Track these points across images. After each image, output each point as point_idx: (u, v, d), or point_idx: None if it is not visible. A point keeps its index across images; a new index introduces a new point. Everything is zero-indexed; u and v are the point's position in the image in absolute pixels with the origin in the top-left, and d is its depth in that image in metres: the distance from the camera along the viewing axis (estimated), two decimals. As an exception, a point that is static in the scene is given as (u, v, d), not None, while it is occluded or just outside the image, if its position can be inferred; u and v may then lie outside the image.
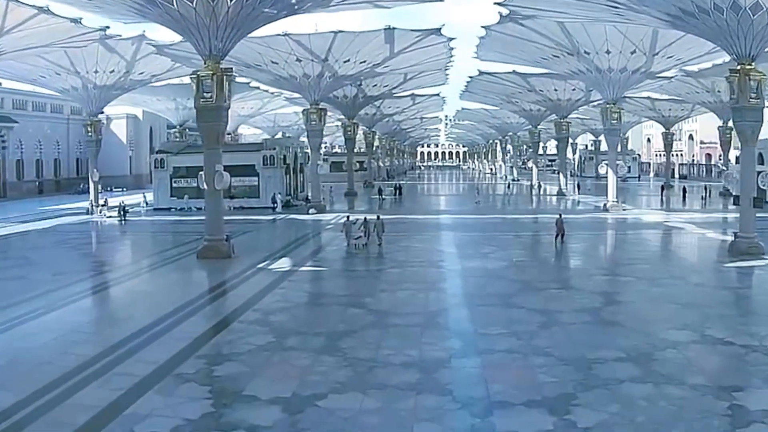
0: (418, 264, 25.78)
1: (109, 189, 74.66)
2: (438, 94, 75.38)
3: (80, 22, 37.62)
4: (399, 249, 29.32)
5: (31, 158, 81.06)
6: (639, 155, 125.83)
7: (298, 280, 23.51)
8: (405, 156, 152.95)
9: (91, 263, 29.94)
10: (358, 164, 68.99)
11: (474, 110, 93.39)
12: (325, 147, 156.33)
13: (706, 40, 30.74)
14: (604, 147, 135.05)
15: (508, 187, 69.81)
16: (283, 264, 26.69)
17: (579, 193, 65.86)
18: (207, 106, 28.90)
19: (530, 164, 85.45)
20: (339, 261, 27.47)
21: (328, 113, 79.48)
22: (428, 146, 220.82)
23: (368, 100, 63.49)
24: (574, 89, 60.61)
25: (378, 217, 29.84)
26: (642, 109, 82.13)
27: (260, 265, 26.33)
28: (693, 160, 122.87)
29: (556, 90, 60.83)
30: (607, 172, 50.22)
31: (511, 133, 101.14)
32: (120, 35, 44.37)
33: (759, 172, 31.68)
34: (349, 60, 44.41)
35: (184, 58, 44.09)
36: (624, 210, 48.68)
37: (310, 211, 47.66)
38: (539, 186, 68.17)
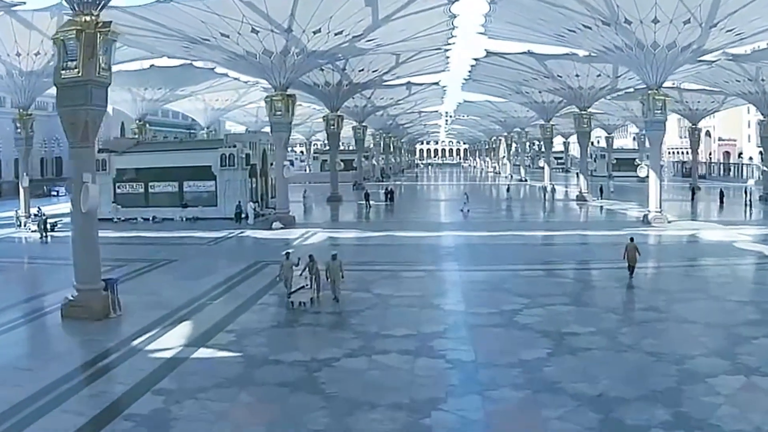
0: (398, 344, 14.59)
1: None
2: (437, 83, 63.94)
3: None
4: (371, 304, 18.17)
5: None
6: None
7: (174, 388, 12.41)
8: (403, 154, 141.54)
9: None
10: (342, 163, 57.49)
11: (477, 102, 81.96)
12: (319, 143, 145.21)
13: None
14: (617, 144, 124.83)
15: (508, 189, 58.11)
16: (173, 340, 15.60)
17: (602, 198, 54.58)
18: (70, 81, 17.92)
19: (541, 163, 74.08)
20: (265, 334, 15.99)
21: (315, 106, 68.98)
22: (428, 143, 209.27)
23: (354, 89, 52.23)
24: (599, 75, 49.39)
25: (334, 257, 18.60)
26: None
27: (138, 341, 15.49)
28: (710, 159, 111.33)
29: (577, 76, 49.59)
30: (648, 175, 39.05)
31: (518, 129, 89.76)
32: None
33: None
34: (320, 30, 33.18)
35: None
36: (669, 222, 37.57)
37: (274, 225, 36.56)
38: (553, 189, 56.72)
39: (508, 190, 58.95)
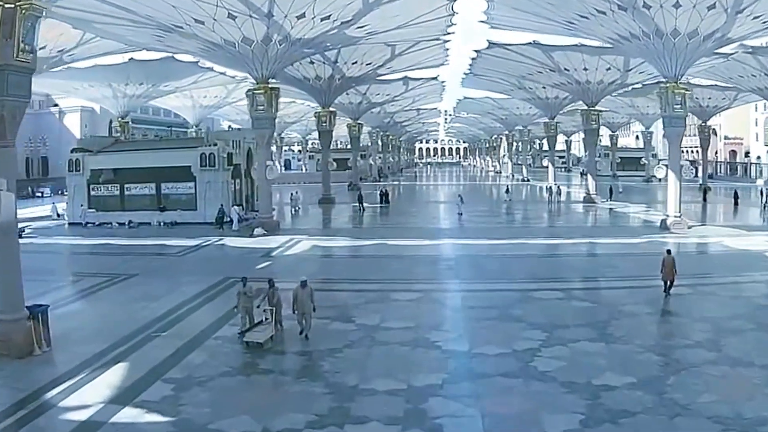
0: (382, 406, 10.92)
1: (60, 192, 60.49)
2: (436, 78, 60.18)
3: None
4: (351, 341, 14.52)
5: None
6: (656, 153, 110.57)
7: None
8: (401, 152, 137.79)
9: None
10: (335, 163, 53.81)
11: (478, 99, 78.16)
12: (316, 142, 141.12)
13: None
14: (621, 143, 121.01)
15: (507, 191, 53.79)
16: (97, 392, 12.00)
17: (612, 199, 50.92)
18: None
19: (545, 162, 70.51)
20: (212, 385, 12.07)
21: (310, 104, 65.17)
22: (427, 142, 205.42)
23: (347, 83, 48.53)
24: (609, 68, 45.69)
25: (303, 284, 14.91)
26: (677, 98, 66.84)
27: (54, 392, 12.07)
28: (716, 157, 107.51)
29: (586, 69, 45.90)
30: (667, 176, 35.40)
31: (520, 127, 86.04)
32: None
33: None
34: (304, 15, 29.48)
35: None
36: (689, 228, 34.00)
37: (255, 231, 32.95)
38: (558, 190, 52.87)
39: (507, 191, 54.06)
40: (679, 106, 34.49)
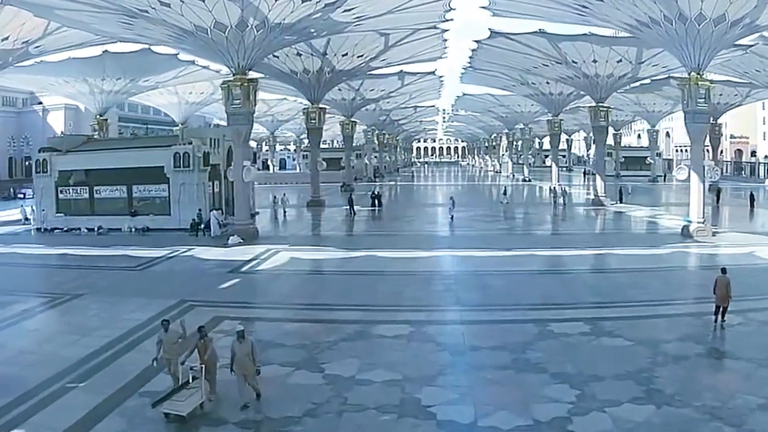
0: None
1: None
2: (434, 73, 56.26)
3: None
4: (314, 405, 10.61)
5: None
6: (660, 152, 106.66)
7: None
8: (398, 152, 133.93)
9: None
10: (325, 162, 49.97)
11: (477, 96, 74.29)
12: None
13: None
14: (624, 142, 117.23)
15: (505, 192, 48.79)
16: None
17: (622, 202, 47.12)
18: None
19: (548, 162, 66.76)
20: None
21: (303, 101, 61.11)
22: (425, 141, 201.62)
23: (338, 77, 44.67)
24: (620, 60, 41.86)
25: (240, 336, 10.66)
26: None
27: None
28: (721, 157, 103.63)
29: (595, 62, 42.08)
30: (689, 177, 31.64)
31: (520, 125, 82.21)
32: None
33: None
34: (281, -5, 25.75)
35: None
36: (714, 236, 30.30)
37: (231, 240, 29.20)
38: (564, 192, 48.83)
39: (505, 192, 48.58)
40: (702, 100, 30.76)
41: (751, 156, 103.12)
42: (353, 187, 60.23)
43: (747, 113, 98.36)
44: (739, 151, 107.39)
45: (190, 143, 35.14)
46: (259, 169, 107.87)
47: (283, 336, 14.84)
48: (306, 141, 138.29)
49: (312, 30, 30.53)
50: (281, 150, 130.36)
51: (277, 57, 41.54)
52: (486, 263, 23.54)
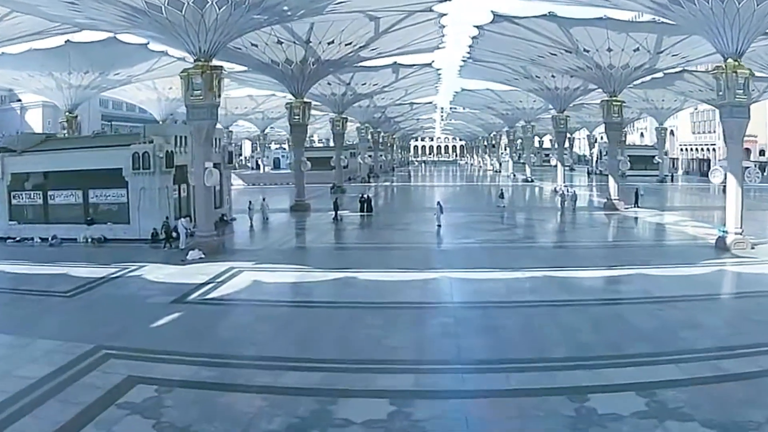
0: None
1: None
2: (431, 65, 51.46)
3: None
4: None
5: None
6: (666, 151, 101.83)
7: None
8: (395, 151, 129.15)
9: None
10: (309, 162, 45.23)
11: (477, 91, 69.56)
12: (307, 140, 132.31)
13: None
14: (630, 139, 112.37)
15: (501, 195, 43.05)
16: None
17: (636, 205, 42.48)
18: None
19: (553, 161, 62.22)
20: None
21: (288, 96, 56.13)
22: (422, 140, 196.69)
23: (324, 68, 39.96)
24: (636, 48, 37.23)
25: None
26: (701, 88, 58.55)
27: None
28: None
29: (609, 50, 37.42)
30: (726, 179, 27.09)
31: (522, 122, 77.54)
32: None
33: None
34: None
35: None
36: (753, 248, 25.75)
37: (190, 255, 24.55)
38: (574, 196, 44.06)
39: (501, 195, 42.91)
40: (741, 91, 26.19)
41: (760, 155, 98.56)
42: (344, 189, 55.59)
43: (755, 111, 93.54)
44: (747, 150, 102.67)
45: (151, 142, 30.50)
46: (253, 169, 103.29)
47: (207, 415, 10.25)
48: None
49: (286, 9, 25.87)
50: (277, 148, 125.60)
51: (256, 46, 36.97)
52: (492, 290, 18.83)
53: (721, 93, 26.52)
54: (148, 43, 39.99)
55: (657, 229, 33.48)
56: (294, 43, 36.38)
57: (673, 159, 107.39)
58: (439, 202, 35.05)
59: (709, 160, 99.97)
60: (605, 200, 42.33)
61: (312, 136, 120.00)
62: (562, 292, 18.55)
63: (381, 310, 16.75)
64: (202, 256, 24.55)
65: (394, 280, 19.81)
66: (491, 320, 15.51)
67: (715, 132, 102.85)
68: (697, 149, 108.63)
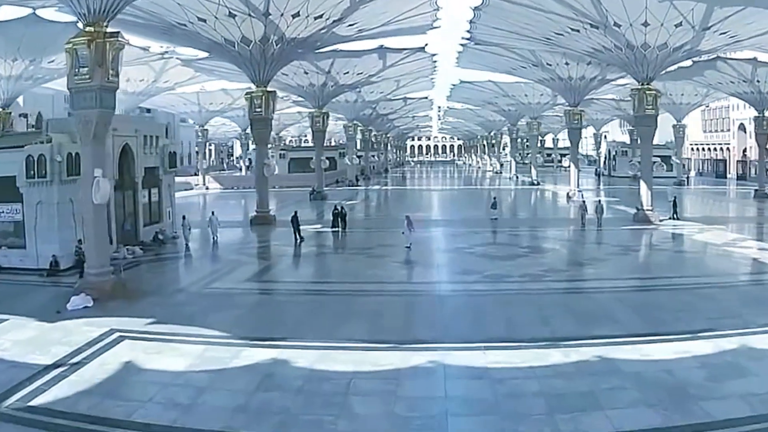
0: None
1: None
2: (424, 49, 43.22)
3: None
4: None
5: None
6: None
7: None
8: (390, 151, 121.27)
9: None
10: (276, 166, 37.23)
11: (477, 83, 61.50)
12: (291, 138, 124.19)
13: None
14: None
15: (494, 206, 35.68)
16: None
17: (675, 216, 34.63)
18: None
19: (565, 163, 54.41)
20: None
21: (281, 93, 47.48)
22: (419, 139, 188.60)
23: (290, 50, 32.01)
24: (680, 23, 29.42)
25: None
26: (733, 80, 50.79)
27: None
28: (745, 156, 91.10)
29: (645, 25, 29.60)
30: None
31: (527, 119, 69.73)
32: None
33: None
34: None
35: None
36: None
37: (73, 301, 16.76)
38: (600, 207, 33.63)
39: (494, 206, 35.70)
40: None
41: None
42: (324, 195, 47.83)
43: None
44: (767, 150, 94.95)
45: (50, 142, 22.67)
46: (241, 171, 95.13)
47: None
48: (290, 138, 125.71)
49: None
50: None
51: (204, 21, 29.23)
52: (523, 394, 10.74)
53: None
54: (77, 22, 32.22)
55: (714, 254, 25.27)
56: (249, 15, 28.55)
57: (684, 159, 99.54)
58: (408, 216, 26.60)
59: (725, 161, 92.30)
60: (635, 210, 34.53)
61: (305, 135, 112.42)
62: (641, 391, 10.62)
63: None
64: (88, 304, 16.76)
65: (353, 371, 11.74)
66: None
67: (729, 130, 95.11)
68: (709, 149, 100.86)
